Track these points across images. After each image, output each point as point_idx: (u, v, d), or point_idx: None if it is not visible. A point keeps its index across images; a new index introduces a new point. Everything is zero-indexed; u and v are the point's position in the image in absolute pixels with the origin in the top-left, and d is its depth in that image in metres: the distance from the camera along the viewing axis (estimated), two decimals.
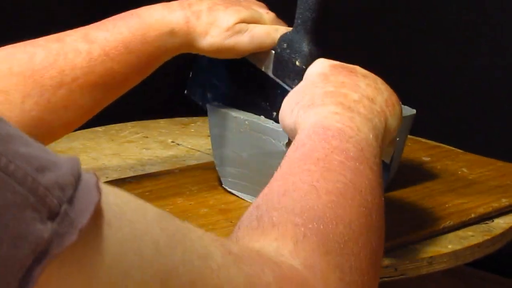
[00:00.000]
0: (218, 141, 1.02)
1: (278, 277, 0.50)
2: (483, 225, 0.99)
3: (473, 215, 0.99)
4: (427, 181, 1.11)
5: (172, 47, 0.93)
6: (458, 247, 0.92)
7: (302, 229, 0.55)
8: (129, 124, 1.35)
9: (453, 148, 1.29)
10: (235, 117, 0.99)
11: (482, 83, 1.48)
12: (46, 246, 0.37)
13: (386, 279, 0.87)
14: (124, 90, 0.94)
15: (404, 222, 0.95)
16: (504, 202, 1.03)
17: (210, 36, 0.93)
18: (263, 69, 0.97)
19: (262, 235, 0.55)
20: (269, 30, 0.95)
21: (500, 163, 1.20)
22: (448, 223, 0.95)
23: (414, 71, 1.55)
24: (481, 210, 1.00)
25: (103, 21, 0.92)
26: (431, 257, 0.89)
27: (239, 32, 0.93)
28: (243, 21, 0.94)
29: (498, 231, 0.97)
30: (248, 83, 1.00)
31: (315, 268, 0.53)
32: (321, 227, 0.56)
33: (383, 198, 0.65)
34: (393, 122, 0.75)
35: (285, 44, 0.94)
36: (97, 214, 0.39)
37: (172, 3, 0.95)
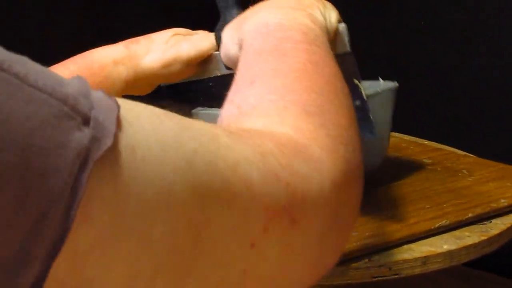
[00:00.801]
0: None
1: (277, 143, 0.52)
2: (481, 225, 0.98)
3: (470, 215, 0.98)
4: (426, 182, 1.11)
5: (119, 76, 0.98)
6: (453, 247, 0.91)
7: (281, 102, 0.58)
8: None
9: (455, 150, 1.28)
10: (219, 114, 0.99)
11: (484, 83, 1.47)
12: (87, 151, 0.39)
13: (380, 278, 0.87)
14: None
15: (399, 221, 0.94)
16: (503, 202, 1.03)
17: (152, 53, 0.98)
18: (218, 74, 0.99)
19: (246, 117, 0.58)
20: (204, 34, 1.01)
21: (501, 165, 1.19)
22: (444, 222, 0.95)
23: (414, 71, 1.55)
24: (479, 210, 1.00)
25: (54, 65, 0.97)
26: (425, 257, 0.88)
27: (177, 41, 0.99)
28: (178, 34, 1.00)
29: (495, 232, 0.96)
30: (215, 96, 1.01)
31: (303, 130, 0.56)
32: (296, 97, 0.59)
33: (339, 70, 0.68)
34: (327, 13, 0.78)
35: (221, 32, 0.95)
36: (119, 116, 0.42)
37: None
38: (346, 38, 0.84)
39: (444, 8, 1.50)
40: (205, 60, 0.99)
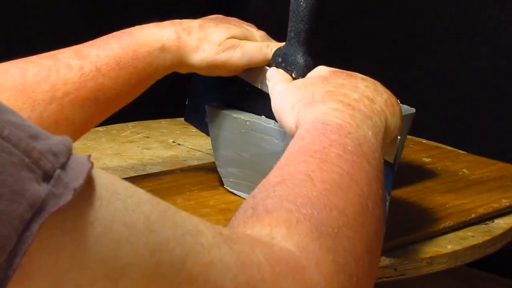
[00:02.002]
0: (219, 142, 1.02)
1: (269, 257, 0.51)
2: (483, 225, 0.99)
3: (473, 216, 0.99)
4: (427, 181, 1.11)
5: (163, 63, 0.94)
6: (457, 247, 0.92)
7: (296, 214, 0.56)
8: (130, 124, 1.35)
9: (454, 149, 1.29)
10: (236, 118, 0.99)
11: (486, 82, 1.48)
12: (42, 204, 0.38)
13: (385, 279, 0.87)
14: (115, 107, 0.95)
15: (403, 222, 0.95)
16: (505, 202, 1.04)
17: (202, 51, 0.94)
18: (258, 86, 0.97)
19: (256, 221, 0.56)
20: (260, 45, 0.96)
21: (501, 164, 1.20)
22: (448, 223, 0.95)
23: (415, 72, 1.55)
24: (481, 211, 1.00)
25: (95, 39, 0.93)
26: (430, 257, 0.89)
27: (230, 47, 0.94)
28: (234, 37, 0.95)
29: (498, 232, 0.97)
30: (244, 103, 1.00)
31: (308, 250, 0.54)
32: (315, 213, 0.56)
33: (381, 191, 0.66)
34: (393, 122, 0.76)
35: (279, 58, 0.94)
36: (90, 182, 0.41)
37: (163, 22, 0.96)
38: (396, 150, 0.82)
39: (444, 8, 1.50)
40: (253, 68, 0.97)
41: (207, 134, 1.06)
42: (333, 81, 0.77)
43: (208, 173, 1.09)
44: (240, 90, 1.00)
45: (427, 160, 1.22)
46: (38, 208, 0.38)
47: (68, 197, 0.39)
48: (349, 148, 0.65)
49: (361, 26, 1.62)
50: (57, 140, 0.41)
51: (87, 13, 1.44)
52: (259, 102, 0.97)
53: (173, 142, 1.27)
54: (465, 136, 1.43)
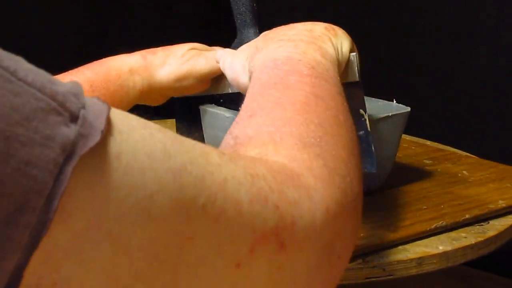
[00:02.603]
0: (213, 141, 1.03)
1: (269, 169, 0.53)
2: (478, 226, 0.98)
3: (467, 216, 0.98)
4: (425, 182, 1.11)
5: (134, 85, 0.99)
6: (449, 248, 0.91)
7: (277, 133, 0.59)
8: None
9: (457, 151, 1.28)
10: (228, 117, 0.99)
11: (488, 83, 1.47)
12: (73, 146, 0.39)
13: (374, 279, 0.87)
14: None
15: (394, 222, 0.94)
16: (501, 203, 1.02)
17: (168, 65, 1.00)
18: (230, 92, 1.00)
19: (242, 147, 0.58)
20: (220, 51, 1.00)
21: (501, 166, 1.19)
22: (440, 223, 0.94)
23: (415, 72, 1.54)
24: (477, 212, 0.99)
25: (69, 71, 0.98)
26: (420, 257, 0.88)
27: (193, 56, 1.00)
28: (195, 48, 1.01)
29: (492, 233, 0.96)
30: (232, 104, 1.04)
31: (297, 159, 0.56)
32: (294, 128, 0.59)
33: (346, 105, 0.68)
34: (338, 42, 0.78)
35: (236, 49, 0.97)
36: (108, 119, 0.42)
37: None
38: (356, 68, 0.84)
39: (444, 8, 1.50)
40: (218, 77, 1.00)
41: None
42: (272, 32, 0.81)
43: None
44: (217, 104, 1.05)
45: (427, 162, 1.21)
46: (69, 152, 0.39)
47: (96, 138, 0.40)
48: (305, 72, 0.68)
49: (361, 26, 1.61)
50: (72, 84, 0.42)
51: (87, 13, 1.45)
52: (238, 104, 0.99)
53: None
54: (467, 137, 1.42)
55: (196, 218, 0.45)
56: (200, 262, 0.46)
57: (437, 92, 1.52)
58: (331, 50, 0.76)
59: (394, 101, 1.07)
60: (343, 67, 0.80)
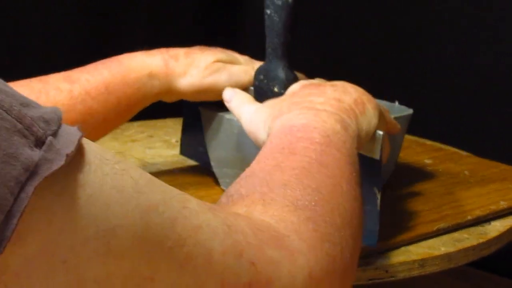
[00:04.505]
0: (213, 143, 1.03)
1: (251, 226, 0.52)
2: (479, 227, 0.98)
3: (469, 217, 0.98)
4: (426, 183, 1.11)
5: (151, 90, 0.95)
6: (451, 249, 0.91)
7: (270, 194, 0.58)
8: (135, 123, 1.36)
9: (458, 151, 1.28)
10: (229, 119, 0.99)
11: (491, 83, 1.47)
12: (36, 168, 0.39)
13: (376, 280, 0.87)
14: (102, 132, 0.96)
15: (397, 223, 0.94)
16: (503, 204, 1.03)
17: (189, 76, 0.96)
18: None
19: (232, 206, 0.58)
20: (245, 68, 0.99)
21: (503, 166, 1.19)
22: (442, 225, 0.95)
23: (417, 71, 1.54)
24: (478, 213, 0.99)
25: (85, 66, 0.95)
26: (422, 259, 0.88)
27: (217, 70, 0.97)
28: (220, 61, 0.98)
29: (494, 234, 0.96)
30: None
31: (285, 221, 0.55)
32: (288, 191, 0.58)
33: (357, 176, 0.67)
34: (364, 120, 0.77)
35: (261, 76, 0.97)
36: (80, 149, 0.42)
37: (151, 50, 0.98)
38: (379, 146, 0.82)
39: (445, 8, 1.49)
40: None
41: (203, 164, 1.08)
42: (301, 93, 0.80)
43: (205, 173, 1.09)
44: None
45: (428, 161, 1.21)
46: (32, 172, 0.38)
47: (60, 162, 0.40)
48: (316, 140, 0.67)
49: (363, 26, 1.61)
50: (48, 109, 0.42)
51: (87, 14, 1.45)
52: None
53: (176, 141, 1.27)
54: (469, 137, 1.42)
55: (160, 259, 0.44)
56: None
57: (439, 92, 1.52)
58: (353, 125, 0.74)
59: (397, 103, 1.07)
60: (366, 142, 0.79)
